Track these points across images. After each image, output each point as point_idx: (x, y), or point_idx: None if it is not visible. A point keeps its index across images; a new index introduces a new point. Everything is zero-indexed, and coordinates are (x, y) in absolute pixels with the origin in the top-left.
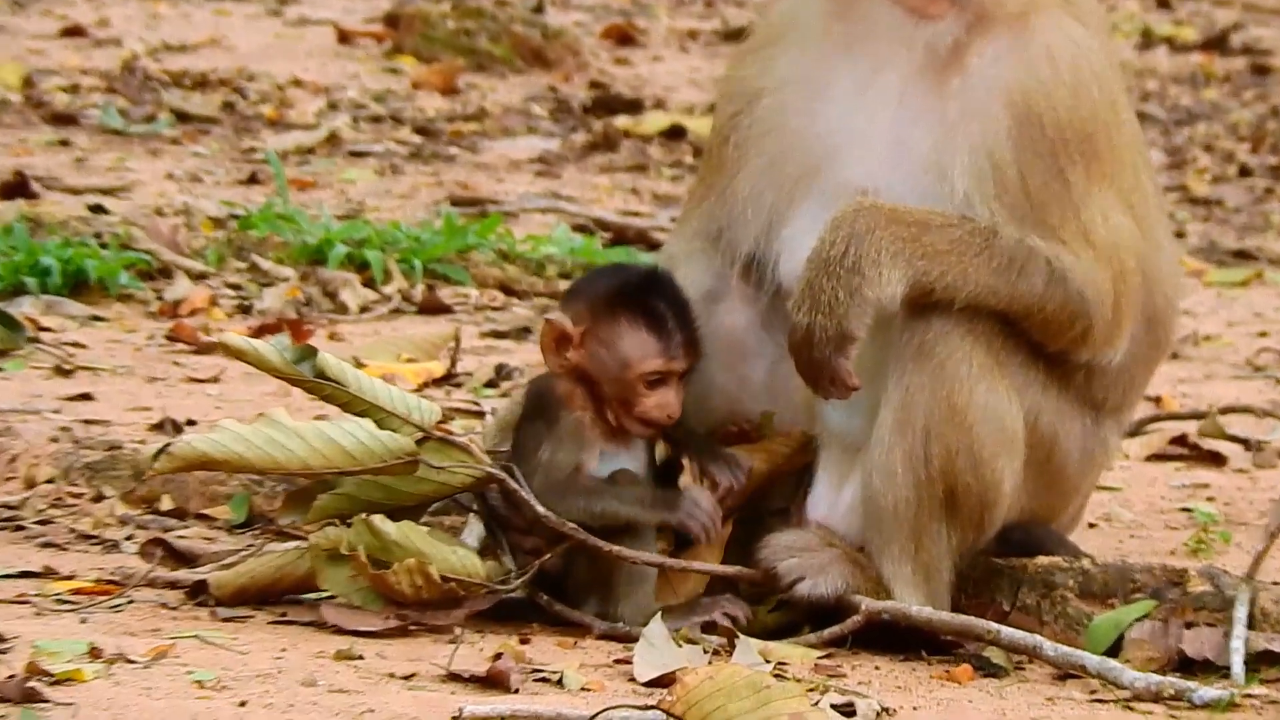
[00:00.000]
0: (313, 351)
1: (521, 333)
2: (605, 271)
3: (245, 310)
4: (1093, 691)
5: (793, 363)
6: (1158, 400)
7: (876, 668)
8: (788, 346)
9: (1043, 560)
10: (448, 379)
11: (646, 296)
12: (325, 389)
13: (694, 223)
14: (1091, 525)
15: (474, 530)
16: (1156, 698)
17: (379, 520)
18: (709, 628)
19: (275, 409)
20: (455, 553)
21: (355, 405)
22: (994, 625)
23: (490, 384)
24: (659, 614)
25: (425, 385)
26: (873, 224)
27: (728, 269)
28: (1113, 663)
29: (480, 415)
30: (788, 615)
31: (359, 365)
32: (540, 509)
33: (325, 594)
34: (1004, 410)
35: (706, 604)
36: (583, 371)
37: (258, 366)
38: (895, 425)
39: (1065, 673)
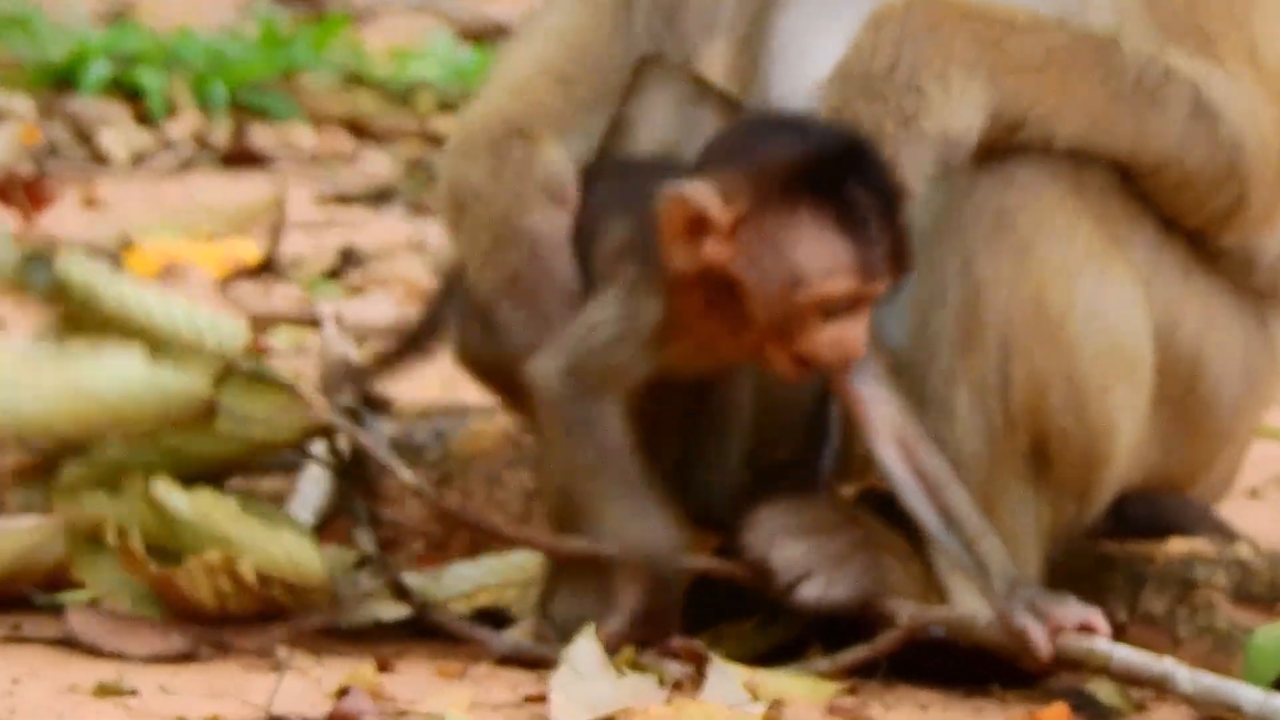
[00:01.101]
0: (50, 251)
1: (379, 198)
2: (778, 128)
3: None
4: None
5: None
6: None
7: (923, 707)
8: None
9: (1179, 546)
10: (266, 268)
11: (846, 178)
12: (72, 306)
13: None
14: (1252, 493)
15: (309, 497)
16: None
17: (163, 489)
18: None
19: None
20: (280, 539)
21: (119, 329)
22: (1100, 645)
23: (332, 274)
24: (591, 628)
25: (232, 277)
26: (935, 20)
27: (692, 96)
28: None
29: (314, 323)
30: (788, 631)
31: (127, 246)
32: (407, 475)
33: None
34: (1123, 315)
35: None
36: (722, 276)
37: None
38: (958, 340)
39: (1210, 716)
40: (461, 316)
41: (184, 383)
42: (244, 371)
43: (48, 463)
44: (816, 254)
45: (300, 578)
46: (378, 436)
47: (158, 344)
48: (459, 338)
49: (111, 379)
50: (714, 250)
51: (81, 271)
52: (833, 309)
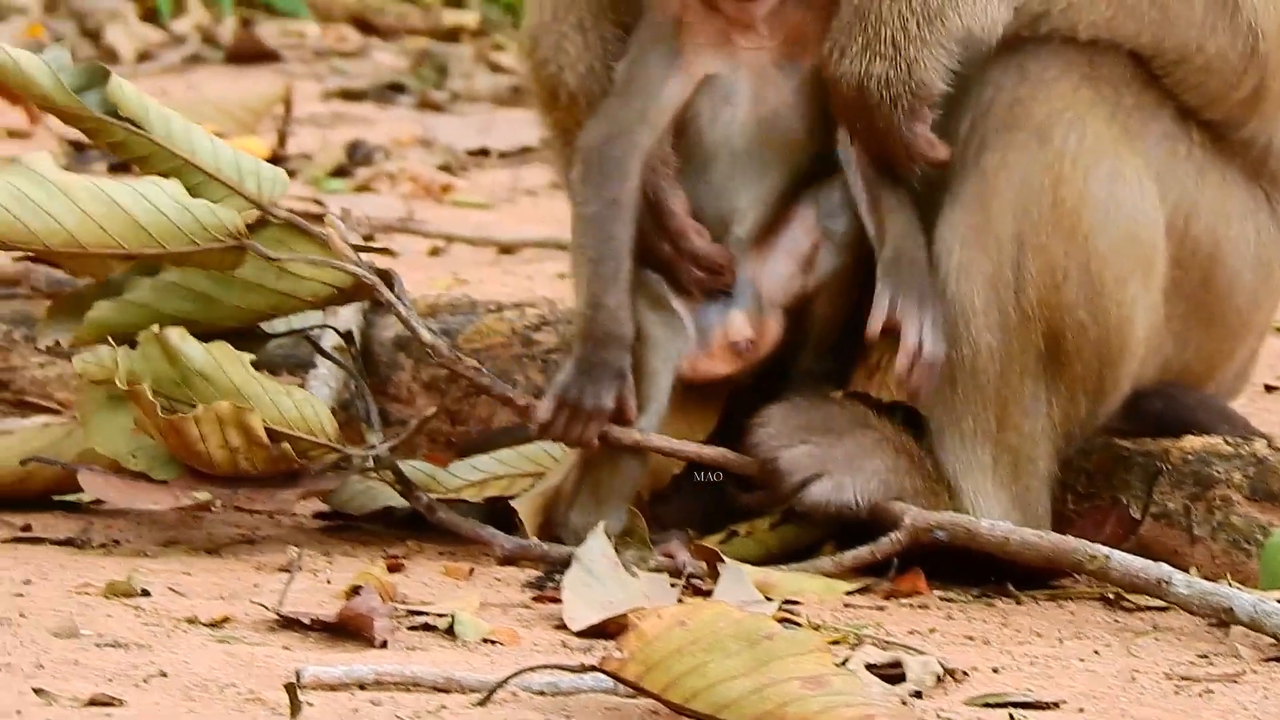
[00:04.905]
0: (104, 75)
1: (387, 92)
2: None
3: None
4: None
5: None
6: None
7: (936, 608)
8: (833, 111)
9: (1194, 442)
10: (273, 163)
11: None
12: (116, 133)
13: None
14: (1270, 388)
15: (319, 393)
16: None
17: (177, 335)
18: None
19: (35, 154)
20: (290, 396)
21: (160, 161)
22: (1100, 549)
23: (340, 172)
24: (601, 526)
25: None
26: None
27: None
28: (1274, 605)
29: (322, 220)
30: (801, 532)
31: None
32: (427, 334)
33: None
34: (1137, 206)
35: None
36: None
37: (17, 89)
38: (971, 233)
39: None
40: None
41: (218, 219)
42: (279, 220)
43: (79, 299)
44: None
45: (311, 433)
46: (404, 301)
47: (198, 178)
48: None
49: (144, 204)
50: None
51: (132, 97)
52: None
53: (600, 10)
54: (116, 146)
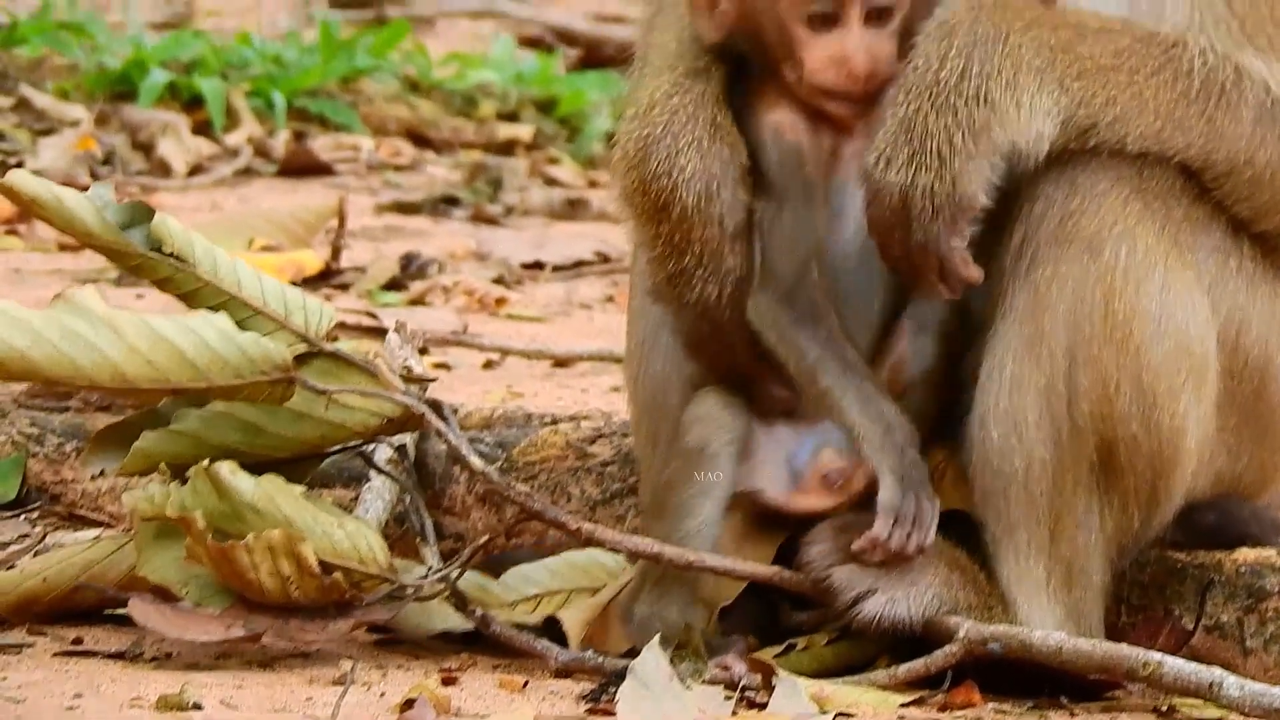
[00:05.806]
0: (148, 213)
1: (441, 205)
2: None
3: (14, 169)
4: None
5: (875, 247)
6: None
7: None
8: (867, 222)
9: (1248, 554)
10: (326, 276)
11: None
12: (162, 269)
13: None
14: None
15: (371, 509)
16: None
17: (227, 470)
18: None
19: (80, 289)
20: (343, 527)
21: (207, 297)
22: (1152, 655)
23: (393, 285)
24: (656, 639)
25: (293, 286)
26: (1004, 28)
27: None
28: None
29: (379, 332)
30: (857, 648)
31: None
32: (478, 462)
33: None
34: (1188, 319)
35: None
36: (743, 29)
37: (61, 227)
38: (1023, 347)
39: None
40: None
41: (266, 352)
42: (326, 353)
43: (125, 430)
44: None
45: (363, 563)
46: (453, 429)
47: (245, 313)
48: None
49: (193, 337)
50: (725, 5)
51: (178, 234)
52: (816, 17)
53: (715, 131)
54: (163, 283)
